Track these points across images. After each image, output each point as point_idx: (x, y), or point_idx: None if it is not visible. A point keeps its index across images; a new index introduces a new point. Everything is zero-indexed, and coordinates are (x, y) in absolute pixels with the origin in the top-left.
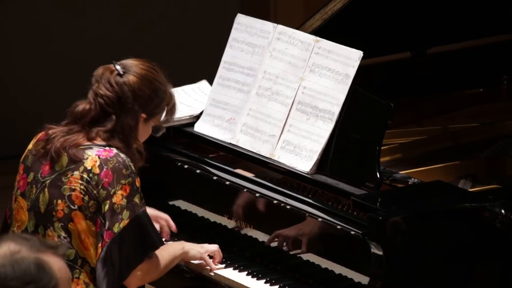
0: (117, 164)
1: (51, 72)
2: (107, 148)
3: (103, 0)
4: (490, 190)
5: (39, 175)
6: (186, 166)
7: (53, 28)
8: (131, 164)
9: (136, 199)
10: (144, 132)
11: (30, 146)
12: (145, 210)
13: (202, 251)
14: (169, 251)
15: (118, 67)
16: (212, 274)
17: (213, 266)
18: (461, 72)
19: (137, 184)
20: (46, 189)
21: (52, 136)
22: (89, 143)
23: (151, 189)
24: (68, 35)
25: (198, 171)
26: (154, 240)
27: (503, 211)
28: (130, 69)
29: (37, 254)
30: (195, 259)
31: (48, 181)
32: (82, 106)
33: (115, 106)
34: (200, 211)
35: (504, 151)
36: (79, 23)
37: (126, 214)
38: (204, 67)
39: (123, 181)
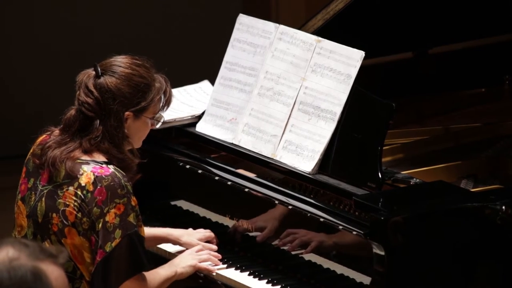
0: (112, 183)
1: (50, 72)
2: (104, 165)
3: (104, 0)
4: (492, 190)
5: (38, 182)
6: (188, 166)
7: (52, 28)
8: (127, 184)
9: (130, 218)
10: (139, 129)
11: (32, 149)
12: (139, 230)
13: (194, 263)
14: (160, 274)
15: (98, 68)
16: (214, 274)
17: (212, 268)
18: (463, 72)
19: (133, 203)
20: (43, 199)
21: (46, 146)
22: (87, 157)
23: (153, 189)
24: (68, 35)
25: (199, 171)
26: (143, 261)
27: (504, 207)
28: (109, 69)
29: (36, 262)
30: (191, 274)
31: (45, 191)
32: (69, 113)
33: (95, 110)
34: (201, 211)
35: (506, 151)
36: (79, 23)
37: (118, 233)
38: (206, 67)
39: (117, 200)
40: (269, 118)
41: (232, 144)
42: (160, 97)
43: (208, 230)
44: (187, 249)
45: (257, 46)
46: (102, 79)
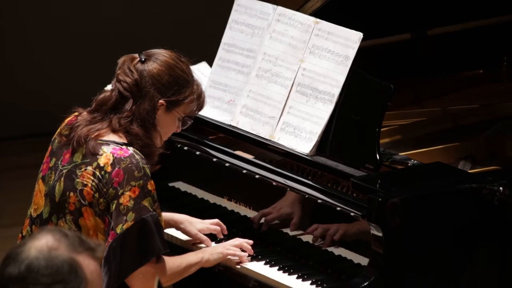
0: (129, 165)
1: (64, 54)
2: (124, 147)
3: None
4: (490, 171)
5: (59, 162)
6: (185, 148)
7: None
8: (145, 166)
9: (146, 203)
10: (167, 124)
11: (59, 129)
12: (156, 214)
13: (224, 250)
14: (183, 259)
15: (142, 55)
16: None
17: (244, 259)
18: (461, 53)
19: (149, 187)
20: (62, 179)
21: (76, 125)
22: (108, 137)
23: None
24: (79, 19)
25: (197, 152)
26: (158, 246)
27: (501, 188)
28: (153, 56)
29: (73, 254)
30: (218, 262)
31: (65, 171)
32: (103, 94)
33: (132, 90)
34: (199, 193)
35: (503, 132)
36: (85, 9)
37: (131, 216)
38: (204, 48)
39: (133, 183)
40: (267, 99)
41: (230, 125)
42: (194, 99)
43: (216, 221)
44: (187, 235)
45: (255, 27)
46: (145, 64)
